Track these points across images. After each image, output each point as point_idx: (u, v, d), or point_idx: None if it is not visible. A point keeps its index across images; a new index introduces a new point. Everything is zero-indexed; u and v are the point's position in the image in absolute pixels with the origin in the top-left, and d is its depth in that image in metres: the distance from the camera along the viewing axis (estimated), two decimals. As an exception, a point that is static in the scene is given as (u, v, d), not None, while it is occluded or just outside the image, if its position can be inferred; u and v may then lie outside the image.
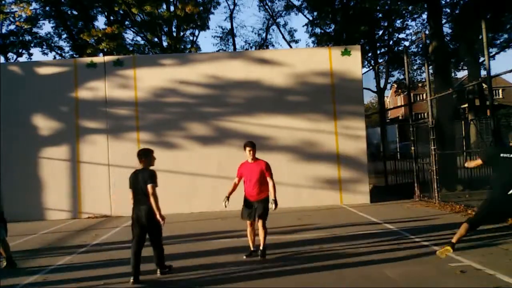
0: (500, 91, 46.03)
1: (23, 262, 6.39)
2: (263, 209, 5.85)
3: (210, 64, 11.40)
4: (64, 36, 25.92)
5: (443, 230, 7.16)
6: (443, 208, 9.62)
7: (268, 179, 5.85)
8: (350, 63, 11.38)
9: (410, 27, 31.03)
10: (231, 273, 5.33)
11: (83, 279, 5.35)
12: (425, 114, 14.70)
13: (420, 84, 23.72)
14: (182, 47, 24.43)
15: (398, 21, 25.05)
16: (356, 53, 11.48)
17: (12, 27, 24.74)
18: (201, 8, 23.43)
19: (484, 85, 17.94)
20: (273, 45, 30.29)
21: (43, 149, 11.10)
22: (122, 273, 5.50)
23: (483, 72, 19.88)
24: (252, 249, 5.98)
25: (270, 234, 6.16)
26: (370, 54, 25.32)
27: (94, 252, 6.88)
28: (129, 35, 31.81)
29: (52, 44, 26.16)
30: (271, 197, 5.78)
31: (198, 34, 26.68)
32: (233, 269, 5.47)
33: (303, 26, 27.27)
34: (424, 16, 22.80)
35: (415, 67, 24.09)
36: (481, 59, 19.07)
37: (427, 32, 14.36)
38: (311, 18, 26.44)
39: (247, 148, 5.94)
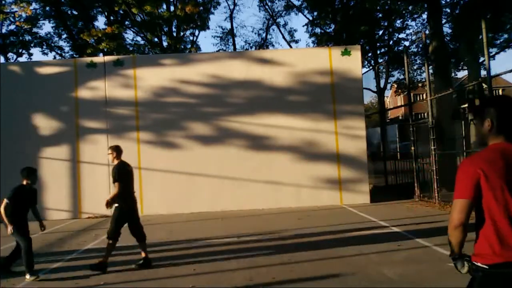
0: (500, 91, 46.08)
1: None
2: None
3: (210, 64, 11.40)
4: (64, 36, 25.92)
5: (443, 230, 7.13)
6: (443, 208, 9.62)
7: None
8: (350, 63, 11.38)
9: (410, 27, 31.07)
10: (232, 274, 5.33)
11: (83, 279, 5.36)
12: (425, 114, 14.70)
13: (420, 84, 23.71)
14: (182, 47, 24.43)
15: (398, 21, 25.06)
16: (356, 53, 11.48)
17: (12, 27, 24.74)
18: (201, 8, 23.43)
19: (484, 85, 17.93)
20: (273, 45, 30.28)
21: (43, 149, 11.09)
22: (122, 273, 5.51)
23: (483, 72, 19.89)
24: None
25: (269, 233, 6.11)
26: (370, 54, 25.33)
27: (94, 253, 6.88)
28: (129, 35, 31.85)
29: (52, 44, 26.14)
30: None
31: (198, 34, 26.69)
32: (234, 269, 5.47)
33: (303, 26, 27.31)
34: (424, 16, 22.81)
35: (415, 67, 24.10)
36: (481, 59, 19.07)
37: (427, 32, 14.35)
38: (311, 18, 26.44)
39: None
